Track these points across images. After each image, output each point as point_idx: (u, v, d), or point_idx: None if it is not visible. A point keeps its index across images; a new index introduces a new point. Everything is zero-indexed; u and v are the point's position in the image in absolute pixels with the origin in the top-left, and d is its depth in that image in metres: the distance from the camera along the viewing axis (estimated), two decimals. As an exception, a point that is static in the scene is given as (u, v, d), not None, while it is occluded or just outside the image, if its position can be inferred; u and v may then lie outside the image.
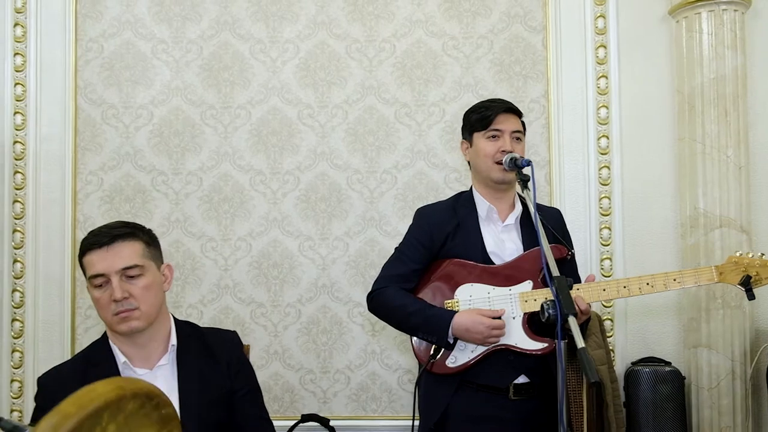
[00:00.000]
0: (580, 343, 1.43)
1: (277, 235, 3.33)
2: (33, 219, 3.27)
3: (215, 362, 1.82)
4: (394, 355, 3.31)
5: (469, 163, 2.26)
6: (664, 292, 2.11)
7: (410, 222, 3.20)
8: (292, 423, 3.08)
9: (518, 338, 2.03)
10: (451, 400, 2.10)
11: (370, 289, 2.25)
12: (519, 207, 2.19)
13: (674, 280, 2.04)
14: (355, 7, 3.36)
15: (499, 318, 2.01)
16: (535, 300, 2.01)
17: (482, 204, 2.17)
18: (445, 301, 2.09)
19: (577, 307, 1.94)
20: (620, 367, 3.17)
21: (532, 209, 1.90)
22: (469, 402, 2.09)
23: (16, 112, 3.28)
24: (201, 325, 1.93)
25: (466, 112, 2.24)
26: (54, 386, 1.74)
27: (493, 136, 2.12)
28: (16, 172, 3.28)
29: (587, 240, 3.20)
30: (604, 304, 3.18)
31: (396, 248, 2.26)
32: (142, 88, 3.35)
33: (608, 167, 3.23)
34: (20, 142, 3.28)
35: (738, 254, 2.03)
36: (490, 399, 2.08)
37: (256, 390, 1.89)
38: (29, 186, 3.27)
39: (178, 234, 3.31)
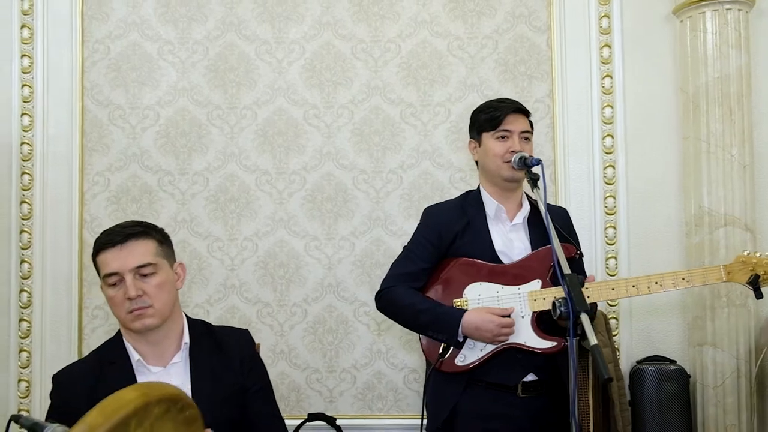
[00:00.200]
0: (593, 339, 1.44)
1: (284, 235, 3.34)
2: (40, 219, 3.28)
3: (228, 360, 1.83)
4: (400, 355, 3.32)
5: (476, 162, 2.28)
6: (669, 290, 2.12)
7: (416, 221, 3.23)
8: (298, 422, 3.11)
9: (527, 337, 2.05)
10: (460, 398, 2.11)
11: (377, 289, 2.26)
12: (527, 206, 2.20)
13: (683, 279, 2.06)
14: (360, 7, 3.37)
15: (508, 316, 2.02)
16: (544, 299, 2.03)
17: (490, 203, 2.18)
18: (454, 300, 2.10)
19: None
20: (625, 365, 3.18)
21: (542, 208, 1.91)
22: (478, 400, 2.10)
23: (23, 114, 3.30)
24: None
25: (474, 111, 2.25)
26: (68, 384, 1.75)
27: (503, 137, 2.13)
28: (24, 172, 3.29)
29: (592, 239, 3.21)
30: (610, 302, 3.19)
31: (404, 247, 2.27)
32: (149, 89, 3.36)
33: (613, 166, 3.24)
34: (27, 143, 3.30)
35: (745, 253, 2.06)
36: (499, 397, 2.10)
37: (269, 387, 1.90)
38: (36, 187, 3.29)
39: (185, 234, 3.32)
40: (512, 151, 2.10)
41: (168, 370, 1.76)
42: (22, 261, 3.28)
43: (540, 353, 2.07)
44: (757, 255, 2.04)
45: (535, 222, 2.17)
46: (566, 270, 1.69)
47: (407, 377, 3.32)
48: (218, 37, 3.37)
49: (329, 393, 3.33)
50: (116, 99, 3.36)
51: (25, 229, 3.28)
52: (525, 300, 2.06)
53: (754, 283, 2.00)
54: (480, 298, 2.08)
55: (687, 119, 3.11)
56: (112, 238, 1.77)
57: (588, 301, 1.70)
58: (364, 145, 3.35)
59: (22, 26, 3.31)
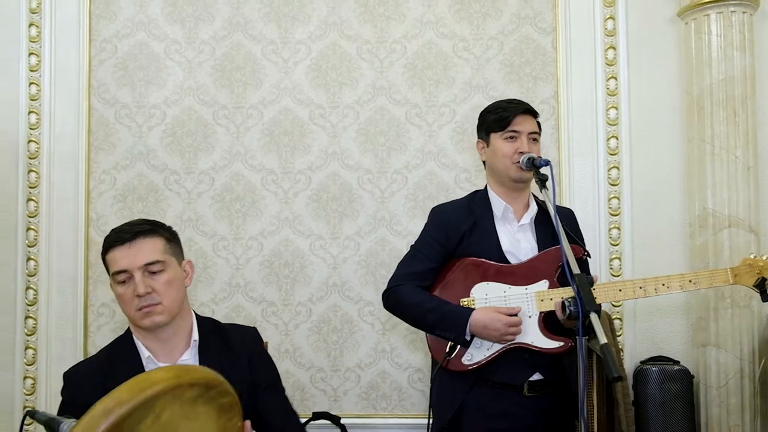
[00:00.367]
0: (603, 338, 1.46)
1: (289, 234, 3.36)
2: (46, 217, 3.30)
3: (236, 357, 1.84)
4: (404, 354, 3.33)
5: (484, 162, 2.29)
6: (676, 293, 2.14)
7: (420, 221, 3.24)
8: (303, 421, 3.12)
9: (534, 337, 2.06)
10: (466, 397, 2.13)
11: (382, 288, 2.28)
12: (534, 206, 2.21)
13: (690, 281, 2.07)
14: (366, 8, 3.39)
15: (515, 315, 2.04)
16: (552, 299, 2.04)
17: (498, 203, 2.19)
18: (461, 299, 2.12)
19: (559, 312, 1.98)
20: (629, 366, 3.19)
21: (551, 209, 1.93)
22: (484, 399, 2.12)
23: (30, 112, 3.31)
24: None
25: (483, 111, 2.27)
26: (79, 381, 1.76)
27: (511, 137, 2.15)
28: (30, 170, 3.31)
29: (596, 240, 3.22)
30: (614, 303, 3.21)
31: (411, 246, 2.28)
32: (155, 88, 3.38)
33: (617, 168, 3.25)
34: (34, 141, 3.31)
35: (752, 256, 2.08)
36: (505, 396, 2.12)
37: (278, 383, 1.91)
38: (43, 185, 3.30)
39: (191, 233, 3.34)
40: (520, 152, 2.12)
41: (178, 368, 1.77)
42: (29, 258, 3.29)
43: (546, 353, 2.08)
44: (764, 258, 2.06)
45: (542, 222, 2.18)
46: (575, 270, 1.70)
47: (411, 377, 3.33)
48: (225, 36, 3.39)
49: (333, 392, 3.34)
50: (123, 98, 3.37)
51: (32, 227, 3.30)
52: (532, 300, 2.07)
53: (761, 286, 2.03)
54: (487, 298, 2.09)
55: (691, 121, 3.12)
56: (121, 236, 1.78)
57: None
58: (370, 145, 3.36)
59: (30, 25, 3.33)
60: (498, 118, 2.17)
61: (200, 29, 3.39)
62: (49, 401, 3.25)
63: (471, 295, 2.11)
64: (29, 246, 3.29)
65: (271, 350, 3.27)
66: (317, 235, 3.35)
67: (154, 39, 3.39)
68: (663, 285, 2.06)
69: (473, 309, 2.07)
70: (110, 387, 1.53)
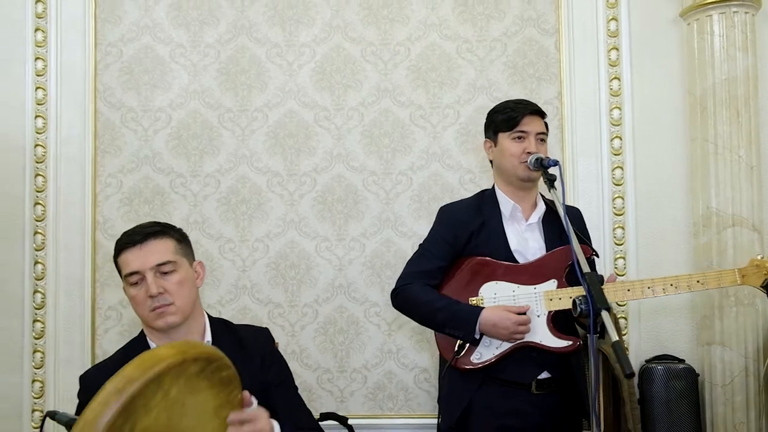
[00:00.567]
0: (614, 336, 1.47)
1: (294, 236, 3.37)
2: (53, 221, 3.31)
3: (249, 357, 1.86)
4: (411, 354, 3.35)
5: (491, 162, 2.31)
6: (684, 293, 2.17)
7: (425, 222, 3.30)
8: (311, 421, 3.13)
9: (543, 336, 2.08)
10: (475, 395, 2.14)
11: (388, 289, 2.29)
12: (542, 206, 2.23)
13: (698, 281, 2.10)
14: (370, 11, 3.40)
15: (524, 314, 2.05)
16: (560, 299, 2.06)
17: (506, 203, 2.21)
18: (470, 299, 2.13)
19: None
20: (635, 364, 3.21)
21: (560, 209, 1.94)
22: (493, 396, 2.13)
23: (36, 116, 3.33)
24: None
25: (491, 112, 2.29)
26: (94, 383, 1.76)
27: (519, 137, 2.17)
28: (37, 174, 3.32)
29: (601, 239, 3.24)
30: (619, 302, 3.22)
31: (420, 245, 2.29)
32: (161, 92, 3.40)
33: (621, 168, 3.27)
34: (41, 145, 3.33)
35: (759, 257, 2.12)
36: (513, 393, 2.13)
37: (290, 381, 1.93)
38: (50, 188, 3.32)
39: (197, 235, 3.35)
40: (528, 152, 2.14)
41: (191, 368, 1.79)
42: (36, 262, 3.31)
43: (555, 352, 2.10)
44: None
45: (549, 222, 2.20)
46: (585, 268, 1.72)
47: (418, 377, 3.34)
48: (229, 40, 3.41)
49: (340, 393, 3.35)
50: (128, 101, 3.39)
51: (39, 231, 3.31)
52: (541, 299, 2.09)
53: None
54: (496, 297, 2.11)
55: (694, 121, 3.14)
56: (132, 239, 1.80)
57: None
58: (374, 147, 3.38)
59: (36, 29, 3.35)
60: (506, 118, 2.19)
61: (205, 33, 3.41)
62: (57, 404, 3.26)
63: (480, 294, 2.13)
64: (36, 249, 3.31)
65: (278, 351, 3.31)
66: (323, 237, 3.37)
67: (160, 43, 3.41)
68: (671, 285, 2.08)
69: (483, 308, 2.09)
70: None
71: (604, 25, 3.29)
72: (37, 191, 3.32)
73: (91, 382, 1.79)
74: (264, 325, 3.25)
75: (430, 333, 3.28)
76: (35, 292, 3.30)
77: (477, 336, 2.07)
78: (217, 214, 3.38)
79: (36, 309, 3.30)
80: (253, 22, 3.41)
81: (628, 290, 2.07)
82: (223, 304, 3.35)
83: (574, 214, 2.28)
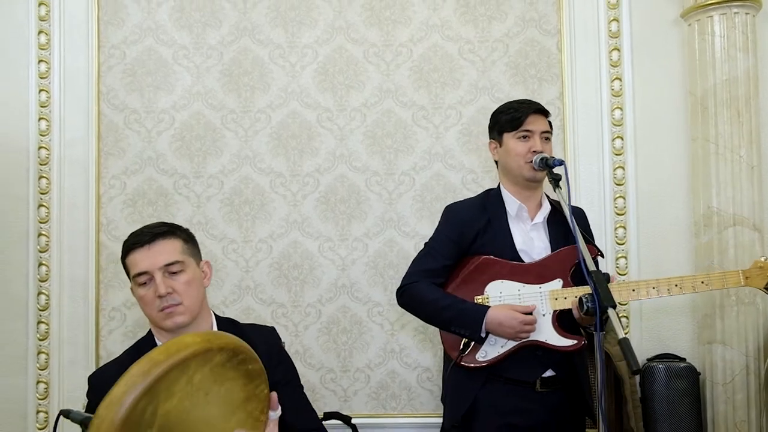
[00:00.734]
0: (621, 333, 1.49)
1: (298, 236, 3.39)
2: (57, 223, 3.32)
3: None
4: (413, 354, 3.36)
5: (496, 162, 2.32)
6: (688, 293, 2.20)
7: (428, 222, 3.32)
8: (315, 420, 3.15)
9: (548, 334, 2.10)
10: (479, 393, 2.16)
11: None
12: (547, 206, 2.25)
13: (702, 282, 2.13)
14: (372, 12, 3.42)
15: (530, 314, 2.07)
16: (565, 298, 2.08)
17: (512, 202, 2.23)
18: (475, 297, 2.15)
19: (575, 310, 2.02)
20: (636, 363, 3.22)
21: (566, 209, 1.96)
22: (497, 395, 2.15)
23: (40, 118, 3.34)
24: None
25: (495, 112, 2.30)
26: (103, 383, 1.78)
27: (524, 137, 2.18)
28: (41, 176, 3.33)
29: (603, 239, 3.25)
30: (621, 302, 3.24)
31: (425, 244, 2.31)
32: (164, 94, 3.41)
33: (623, 167, 3.29)
34: (45, 148, 3.34)
35: (763, 259, 2.16)
36: (518, 392, 2.15)
37: (296, 380, 1.95)
38: (54, 190, 3.33)
39: (200, 236, 3.32)
40: (534, 151, 2.15)
41: (200, 367, 1.80)
42: (40, 264, 3.32)
43: (560, 351, 2.11)
44: None
45: (554, 222, 2.22)
46: (591, 267, 1.73)
47: (420, 376, 3.36)
48: (232, 41, 3.42)
49: (343, 392, 3.37)
50: (132, 103, 3.40)
51: (43, 233, 3.32)
52: (546, 299, 2.10)
53: None
54: (501, 296, 2.13)
55: (695, 121, 3.16)
56: (139, 239, 1.81)
57: None
58: (377, 148, 3.40)
59: (40, 32, 3.36)
60: (510, 118, 2.20)
61: (208, 34, 3.42)
62: (62, 405, 3.27)
63: (485, 293, 2.14)
64: (41, 251, 3.32)
65: (282, 352, 3.32)
66: (326, 237, 3.39)
67: (162, 45, 3.42)
68: (676, 286, 2.11)
69: (489, 306, 2.10)
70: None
71: (606, 25, 3.31)
72: (41, 193, 3.33)
73: (100, 382, 1.80)
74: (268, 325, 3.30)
75: (432, 333, 3.31)
76: (39, 293, 3.31)
77: (483, 334, 2.08)
78: (220, 215, 3.39)
79: (40, 311, 3.31)
80: (255, 23, 3.42)
81: (633, 290, 2.09)
82: (226, 304, 3.36)
83: (579, 214, 2.30)
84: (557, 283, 2.11)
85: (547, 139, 2.22)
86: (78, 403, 3.08)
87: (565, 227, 2.10)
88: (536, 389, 2.15)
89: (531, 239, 2.20)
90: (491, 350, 2.12)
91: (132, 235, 1.86)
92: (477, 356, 2.13)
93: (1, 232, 3.31)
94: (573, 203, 3.20)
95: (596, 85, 3.30)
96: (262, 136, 3.40)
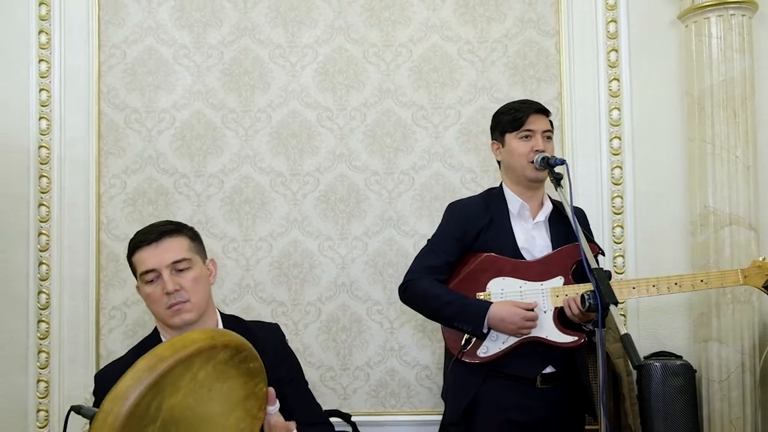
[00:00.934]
0: (623, 329, 1.52)
1: (298, 235, 3.41)
2: (58, 222, 3.33)
3: (261, 353, 1.88)
4: (412, 352, 3.38)
5: (499, 162, 2.35)
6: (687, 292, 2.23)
7: (427, 221, 3.35)
8: (315, 418, 3.16)
9: (549, 331, 2.12)
10: (480, 389, 2.18)
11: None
12: (549, 205, 2.27)
13: (701, 281, 2.16)
14: (372, 12, 3.44)
15: (532, 310, 2.10)
16: (567, 295, 2.10)
17: (514, 201, 2.25)
18: (477, 294, 2.17)
19: (568, 309, 2.05)
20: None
21: (568, 209, 1.99)
22: (498, 390, 2.17)
23: (41, 118, 3.35)
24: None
25: (496, 113, 2.33)
26: (108, 381, 1.77)
27: (526, 136, 2.21)
28: (42, 176, 3.34)
29: (600, 238, 3.28)
30: (620, 300, 3.27)
31: (428, 240, 2.33)
32: (164, 93, 3.42)
33: (620, 167, 3.32)
34: (45, 147, 3.35)
35: (761, 259, 2.20)
36: (518, 388, 2.17)
37: (301, 376, 1.97)
38: (54, 189, 3.34)
39: (201, 235, 3.36)
40: (536, 150, 2.18)
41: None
42: (41, 263, 3.32)
43: (560, 347, 2.14)
44: None
45: (556, 221, 2.24)
46: (593, 264, 1.76)
47: (419, 374, 3.38)
48: (233, 41, 3.43)
49: (343, 390, 3.39)
50: (132, 103, 3.41)
51: (44, 232, 3.33)
52: (548, 296, 2.13)
53: None
54: (503, 293, 2.15)
55: (692, 121, 3.19)
56: (147, 237, 1.83)
57: None
58: (377, 147, 3.42)
59: (40, 31, 3.36)
60: (512, 118, 2.23)
61: (208, 34, 3.44)
62: (63, 404, 3.28)
63: (487, 290, 2.17)
64: (41, 250, 3.33)
65: (282, 350, 3.34)
66: (326, 236, 3.40)
67: (163, 44, 3.43)
68: (675, 284, 2.14)
69: (491, 302, 2.13)
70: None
71: (604, 27, 3.34)
72: (42, 192, 3.34)
73: (105, 379, 1.81)
74: (268, 324, 3.31)
75: (431, 331, 3.34)
76: (40, 292, 3.32)
77: (485, 330, 2.11)
78: (220, 213, 3.41)
79: (41, 309, 3.32)
80: (256, 23, 3.44)
81: (634, 288, 2.12)
82: (227, 303, 3.38)
83: (579, 214, 2.32)
84: (559, 281, 2.14)
85: (549, 138, 2.25)
86: (78, 401, 3.08)
87: (567, 226, 2.13)
88: (536, 385, 2.17)
89: (533, 237, 2.22)
90: (492, 346, 2.14)
91: (139, 233, 1.87)
92: (478, 352, 2.15)
93: (2, 231, 3.31)
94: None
95: (594, 86, 3.33)
96: (262, 135, 3.42)
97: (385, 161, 3.41)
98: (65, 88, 3.36)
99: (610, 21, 3.33)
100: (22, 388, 3.29)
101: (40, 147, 3.34)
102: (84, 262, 3.33)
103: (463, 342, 2.16)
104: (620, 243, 3.32)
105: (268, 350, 1.90)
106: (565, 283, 2.13)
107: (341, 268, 3.40)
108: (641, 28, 3.34)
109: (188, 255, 1.83)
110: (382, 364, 3.39)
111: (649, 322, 3.33)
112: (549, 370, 2.19)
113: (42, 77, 3.36)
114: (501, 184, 2.32)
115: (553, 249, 2.20)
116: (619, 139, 3.33)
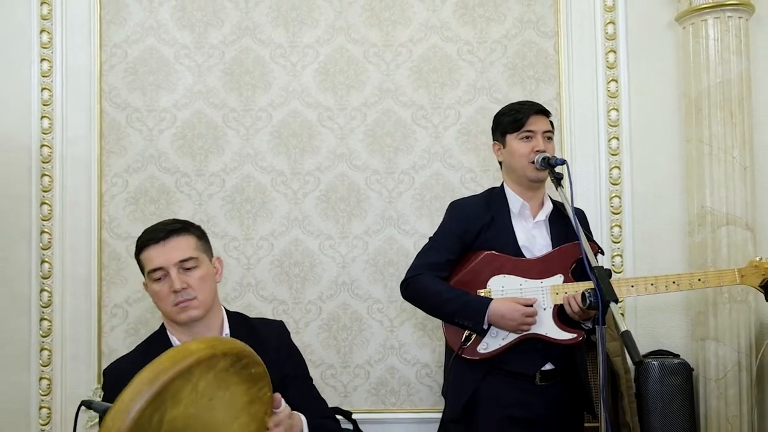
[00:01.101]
0: (623, 326, 1.54)
1: (298, 234, 3.43)
2: (60, 220, 3.34)
3: (265, 350, 1.89)
4: (413, 350, 3.41)
5: (500, 163, 2.38)
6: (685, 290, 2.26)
7: (427, 221, 3.37)
8: (316, 416, 3.18)
9: (549, 328, 2.15)
10: (480, 385, 2.21)
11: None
12: (549, 205, 2.30)
13: (699, 280, 2.19)
14: (372, 13, 3.46)
15: (531, 306, 2.13)
16: (566, 293, 2.13)
17: (515, 200, 2.28)
18: (478, 291, 2.20)
19: (568, 306, 2.08)
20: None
21: (568, 208, 2.02)
22: (497, 387, 2.20)
23: (42, 117, 3.36)
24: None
25: (497, 114, 2.36)
26: (117, 376, 1.82)
27: (527, 137, 2.24)
28: (44, 174, 3.35)
29: (599, 238, 3.30)
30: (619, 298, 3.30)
31: (430, 238, 2.36)
32: (166, 92, 3.44)
33: (619, 167, 3.35)
34: (47, 146, 3.36)
35: (758, 259, 2.23)
36: (517, 384, 2.20)
37: (306, 372, 2.00)
38: (56, 188, 3.35)
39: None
40: (537, 150, 2.21)
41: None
42: (43, 261, 3.34)
43: (560, 344, 2.17)
44: None
45: (556, 221, 2.27)
46: (594, 263, 1.79)
47: (419, 372, 3.41)
48: (234, 41, 3.45)
49: (343, 388, 3.41)
50: (134, 102, 3.43)
51: (45, 230, 3.35)
52: (547, 293, 2.16)
53: (766, 287, 2.19)
54: (504, 290, 2.18)
55: (690, 122, 3.22)
56: (154, 236, 1.86)
57: None
58: (377, 147, 3.44)
59: (42, 31, 3.38)
60: (513, 119, 2.26)
61: (209, 34, 3.45)
62: (65, 402, 3.30)
63: (488, 287, 2.19)
64: (43, 249, 3.34)
65: (283, 348, 3.36)
66: (326, 235, 3.43)
67: (164, 44, 3.45)
68: (674, 283, 2.17)
69: (492, 299, 2.15)
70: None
71: (602, 28, 3.37)
72: (44, 191, 3.35)
73: (114, 375, 1.84)
74: (269, 322, 3.33)
75: (431, 329, 3.36)
76: (42, 290, 3.34)
77: (485, 326, 2.13)
78: (222, 212, 3.43)
79: (43, 307, 3.33)
80: (257, 23, 3.46)
81: (632, 286, 2.15)
82: (228, 301, 3.40)
83: (580, 214, 2.35)
84: (558, 279, 2.17)
85: (549, 138, 2.28)
86: (80, 398, 3.09)
87: (567, 226, 2.16)
88: (536, 382, 2.20)
89: (533, 236, 2.25)
90: (492, 342, 2.17)
91: (146, 231, 1.90)
92: (478, 348, 2.18)
93: (4, 229, 3.33)
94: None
95: (593, 87, 3.36)
96: (263, 134, 3.44)
97: (386, 161, 3.44)
98: (67, 87, 3.37)
99: (609, 22, 3.36)
100: (25, 385, 3.31)
101: (42, 146, 3.35)
102: (86, 260, 3.35)
103: (463, 338, 2.18)
104: (618, 243, 3.35)
105: (273, 347, 1.93)
106: (564, 281, 2.16)
107: (342, 266, 3.42)
108: (639, 29, 3.37)
109: (195, 254, 1.86)
110: (383, 362, 3.41)
111: (646, 321, 3.36)
112: (548, 367, 2.21)
113: (44, 76, 3.38)
114: (502, 184, 2.34)
115: (553, 248, 2.22)
116: (618, 139, 3.36)
